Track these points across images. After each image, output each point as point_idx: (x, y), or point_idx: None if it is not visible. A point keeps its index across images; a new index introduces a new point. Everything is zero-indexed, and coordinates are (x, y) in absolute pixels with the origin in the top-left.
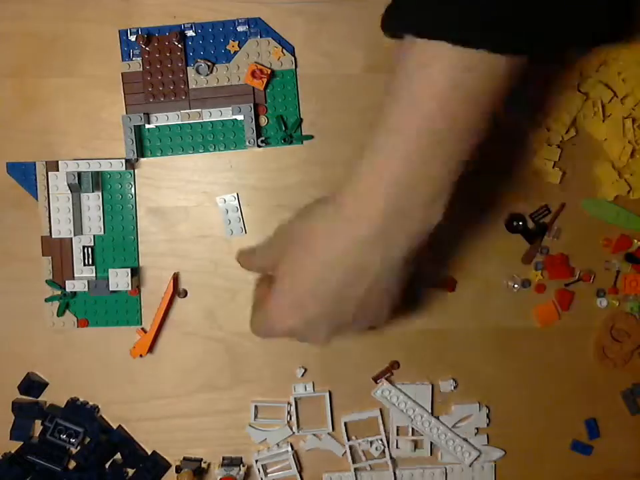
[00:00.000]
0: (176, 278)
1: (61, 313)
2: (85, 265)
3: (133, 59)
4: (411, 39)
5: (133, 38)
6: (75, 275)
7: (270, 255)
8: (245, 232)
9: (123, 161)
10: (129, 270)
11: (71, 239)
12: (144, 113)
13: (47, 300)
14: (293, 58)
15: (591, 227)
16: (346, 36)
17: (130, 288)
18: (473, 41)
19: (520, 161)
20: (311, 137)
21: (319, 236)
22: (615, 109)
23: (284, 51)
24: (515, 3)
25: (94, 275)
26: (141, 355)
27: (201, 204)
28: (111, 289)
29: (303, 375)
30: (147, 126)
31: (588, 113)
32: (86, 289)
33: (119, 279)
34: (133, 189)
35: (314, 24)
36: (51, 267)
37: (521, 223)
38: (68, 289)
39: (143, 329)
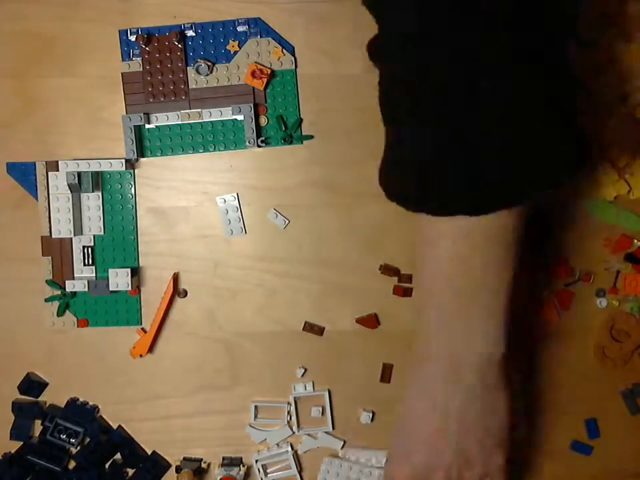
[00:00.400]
0: (176, 278)
1: (61, 313)
2: (85, 265)
3: (133, 58)
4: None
5: (133, 38)
6: (75, 275)
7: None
8: (245, 232)
9: (123, 160)
10: (128, 270)
11: (71, 238)
12: (144, 113)
13: (47, 300)
14: (292, 58)
15: (591, 227)
16: (346, 36)
17: (130, 288)
18: (463, 209)
19: None
20: (311, 136)
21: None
22: (615, 108)
23: (284, 50)
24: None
25: (94, 275)
26: (140, 355)
27: (200, 204)
28: (110, 289)
29: (303, 375)
30: (147, 126)
31: (588, 113)
32: (86, 289)
33: (119, 279)
34: (132, 189)
35: (314, 24)
36: (51, 267)
37: None
38: (68, 289)
39: (142, 329)
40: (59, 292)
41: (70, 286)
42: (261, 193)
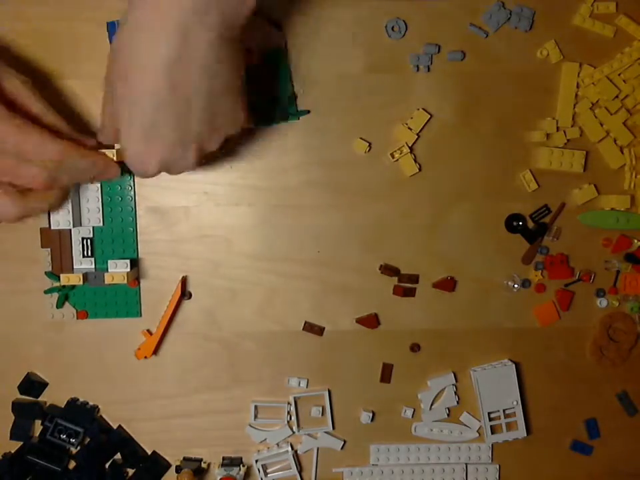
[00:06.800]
0: (184, 281)
1: (60, 304)
2: (84, 256)
3: None
4: None
5: None
6: (74, 267)
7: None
8: None
9: (114, 151)
10: (128, 261)
11: (70, 230)
12: None
13: (46, 292)
14: (282, 34)
15: (591, 227)
16: (346, 36)
17: (126, 280)
18: None
19: (520, 161)
20: (307, 111)
21: (128, 40)
22: (615, 109)
23: (274, 29)
24: None
25: (93, 266)
26: (145, 357)
27: (200, 204)
28: (108, 281)
29: (302, 376)
30: None
31: (587, 114)
32: (81, 282)
33: (118, 270)
34: (132, 180)
35: (314, 24)
36: (50, 259)
37: (520, 223)
38: (62, 283)
39: (148, 330)
40: (58, 284)
41: (65, 280)
42: (261, 193)
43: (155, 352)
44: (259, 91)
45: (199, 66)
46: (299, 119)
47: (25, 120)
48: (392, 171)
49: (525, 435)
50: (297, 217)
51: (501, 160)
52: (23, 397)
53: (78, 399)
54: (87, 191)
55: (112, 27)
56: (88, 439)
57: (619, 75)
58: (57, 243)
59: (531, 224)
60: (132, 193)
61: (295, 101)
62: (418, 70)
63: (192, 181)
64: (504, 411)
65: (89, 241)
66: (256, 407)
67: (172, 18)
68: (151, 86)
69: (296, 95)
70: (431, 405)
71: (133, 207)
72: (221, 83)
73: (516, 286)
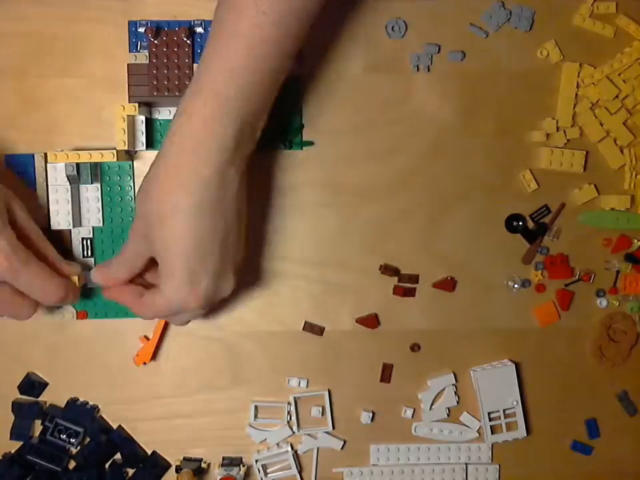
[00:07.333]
0: None
1: None
2: (84, 256)
3: (140, 50)
4: None
5: (141, 30)
6: None
7: (141, 244)
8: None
9: (114, 151)
10: None
11: (70, 230)
12: (144, 103)
13: None
14: (298, 64)
15: (591, 227)
16: (346, 36)
17: None
18: None
19: (520, 161)
20: (311, 143)
21: (165, 183)
22: (615, 109)
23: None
24: None
25: (93, 267)
26: (144, 363)
27: None
28: None
29: (302, 376)
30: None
31: (587, 114)
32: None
33: None
34: (131, 180)
35: (313, 24)
36: None
37: (520, 223)
38: None
39: (145, 336)
40: None
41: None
42: (262, 193)
43: (154, 357)
44: (269, 116)
45: (233, 198)
46: (302, 148)
47: (29, 253)
48: (392, 171)
49: (525, 435)
50: (297, 217)
51: (501, 160)
52: (23, 396)
53: (78, 399)
54: (87, 191)
55: (133, 26)
56: (88, 439)
57: (619, 74)
58: (56, 243)
59: (531, 224)
60: (132, 193)
61: (301, 131)
62: (418, 70)
63: None
64: (504, 410)
65: (88, 241)
66: (256, 407)
67: (212, 161)
68: (194, 230)
69: (303, 126)
70: (431, 405)
71: (133, 207)
72: (244, 207)
73: (516, 286)
